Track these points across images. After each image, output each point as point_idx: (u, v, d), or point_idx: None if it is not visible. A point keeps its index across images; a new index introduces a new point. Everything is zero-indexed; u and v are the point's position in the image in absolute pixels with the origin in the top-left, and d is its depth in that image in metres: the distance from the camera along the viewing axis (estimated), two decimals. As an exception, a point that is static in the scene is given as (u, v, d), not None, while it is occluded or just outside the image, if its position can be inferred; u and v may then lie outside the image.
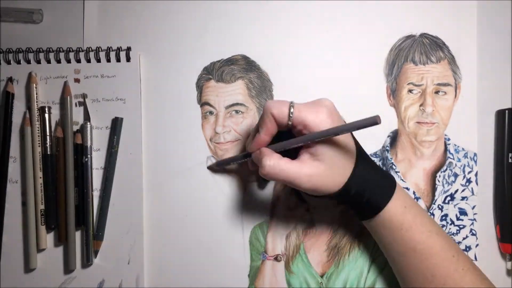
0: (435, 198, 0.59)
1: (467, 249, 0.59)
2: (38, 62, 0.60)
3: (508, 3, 0.60)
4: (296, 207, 0.60)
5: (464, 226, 0.59)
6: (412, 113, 0.59)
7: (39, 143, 0.58)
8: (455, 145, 0.60)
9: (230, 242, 0.60)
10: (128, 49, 0.59)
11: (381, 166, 0.60)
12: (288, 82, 0.60)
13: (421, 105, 0.59)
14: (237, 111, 0.60)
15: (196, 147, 0.60)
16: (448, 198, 0.59)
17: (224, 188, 0.60)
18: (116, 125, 0.59)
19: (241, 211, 0.60)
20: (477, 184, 0.60)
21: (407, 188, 0.59)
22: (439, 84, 0.59)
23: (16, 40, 0.60)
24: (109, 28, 0.61)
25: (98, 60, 0.60)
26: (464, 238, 0.59)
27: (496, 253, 0.59)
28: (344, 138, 0.49)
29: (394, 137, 0.60)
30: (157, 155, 0.60)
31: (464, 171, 0.59)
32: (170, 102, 0.60)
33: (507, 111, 0.59)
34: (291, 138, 0.49)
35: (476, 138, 0.60)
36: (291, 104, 0.48)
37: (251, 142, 0.53)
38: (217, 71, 0.60)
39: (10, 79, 0.59)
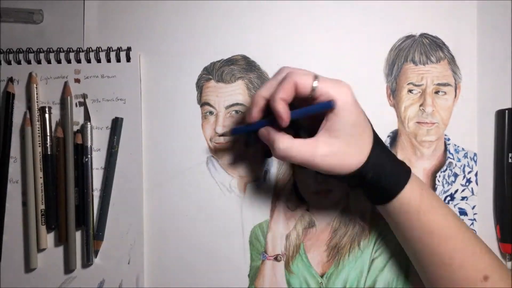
0: (435, 198, 0.60)
1: (467, 249, 0.60)
2: (39, 62, 0.60)
3: (508, 3, 0.60)
4: (296, 207, 0.60)
5: (464, 226, 0.60)
6: (412, 113, 0.60)
7: (39, 143, 0.59)
8: (455, 145, 0.60)
9: (230, 242, 0.60)
10: (128, 49, 0.60)
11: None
12: (288, 82, 0.61)
13: (421, 105, 0.60)
14: (237, 111, 0.60)
15: (196, 147, 0.61)
16: (448, 198, 0.60)
17: (224, 188, 0.60)
18: (116, 125, 0.59)
19: (241, 211, 0.60)
20: (477, 184, 0.60)
21: (407, 188, 0.60)
22: (439, 84, 0.60)
23: (17, 40, 0.61)
24: (109, 28, 0.61)
25: (98, 61, 0.60)
26: (464, 238, 0.60)
27: (496, 253, 0.60)
28: (362, 117, 0.49)
29: (394, 137, 0.60)
30: (157, 155, 0.61)
31: (464, 171, 0.60)
32: (170, 102, 0.61)
33: (507, 111, 0.59)
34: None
35: (476, 138, 0.60)
36: (316, 77, 0.47)
37: (271, 133, 0.50)
38: (217, 71, 0.61)
39: (11, 80, 0.60)
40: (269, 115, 0.50)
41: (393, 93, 0.60)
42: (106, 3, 0.61)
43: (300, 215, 0.60)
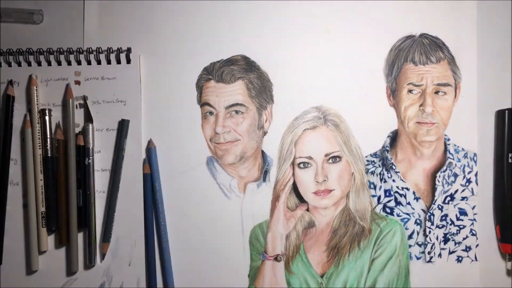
0: (435, 198, 0.60)
1: (467, 249, 0.60)
2: (39, 64, 0.60)
3: (508, 3, 0.60)
4: (296, 207, 0.61)
5: (464, 226, 0.60)
6: (412, 113, 0.60)
7: (39, 145, 0.59)
8: (455, 145, 0.60)
9: (230, 242, 0.61)
10: (128, 50, 0.60)
11: (381, 166, 0.60)
12: (288, 82, 0.61)
13: (421, 105, 0.60)
14: (237, 111, 0.61)
15: (196, 147, 0.61)
16: (448, 198, 0.60)
17: (224, 188, 0.61)
18: (123, 127, 0.60)
19: (241, 211, 0.61)
20: (477, 184, 0.60)
21: (407, 188, 0.60)
22: (439, 84, 0.60)
23: (17, 40, 0.61)
24: (109, 28, 0.61)
25: (99, 62, 0.60)
26: (464, 238, 0.60)
27: (496, 253, 0.60)
28: None
29: (394, 137, 0.61)
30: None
31: (464, 171, 0.60)
32: (170, 102, 0.61)
33: (507, 111, 0.59)
34: None
35: (476, 138, 0.60)
36: None
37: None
38: (217, 71, 0.61)
39: (11, 82, 0.60)
40: None
41: (393, 93, 0.61)
42: (106, 3, 0.61)
43: (300, 215, 0.60)
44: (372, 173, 0.61)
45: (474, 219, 0.60)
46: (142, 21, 0.61)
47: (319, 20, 0.61)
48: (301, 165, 0.60)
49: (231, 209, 0.61)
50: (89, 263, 0.60)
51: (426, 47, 0.60)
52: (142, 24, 0.61)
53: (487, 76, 0.60)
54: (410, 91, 0.60)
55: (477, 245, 0.60)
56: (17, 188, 0.60)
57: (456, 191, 0.60)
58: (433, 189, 0.60)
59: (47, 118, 0.60)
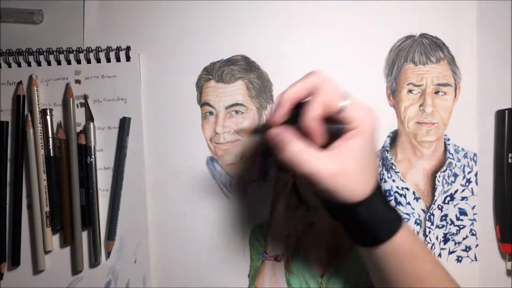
0: (435, 198, 0.61)
1: (467, 249, 0.61)
2: (39, 64, 0.61)
3: (508, 3, 0.61)
4: (296, 207, 0.61)
5: (464, 226, 0.61)
6: (412, 113, 0.61)
7: (41, 145, 0.60)
8: (455, 145, 0.61)
9: (230, 242, 0.61)
10: (128, 48, 0.61)
11: (381, 166, 0.61)
12: (288, 82, 0.60)
13: (421, 105, 0.61)
14: (237, 112, 0.61)
15: (196, 147, 0.62)
16: (448, 198, 0.61)
17: (224, 188, 0.61)
18: (124, 124, 0.61)
19: (241, 211, 0.61)
20: (477, 184, 0.61)
21: (407, 188, 0.61)
22: (439, 84, 0.61)
23: (16, 40, 0.62)
24: (109, 28, 0.62)
25: (98, 61, 0.61)
26: (464, 238, 0.61)
27: (496, 253, 0.61)
28: (375, 154, 0.48)
29: (394, 137, 0.61)
30: (157, 155, 0.62)
31: (464, 171, 0.61)
32: (170, 102, 0.62)
33: (507, 111, 0.60)
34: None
35: (476, 138, 0.61)
36: (345, 98, 0.46)
37: (284, 134, 0.47)
38: (217, 71, 0.61)
39: (20, 82, 0.61)
40: (291, 119, 0.48)
41: (393, 93, 0.61)
42: (106, 3, 0.62)
43: (300, 215, 0.61)
44: (372, 173, 0.61)
45: (474, 219, 0.61)
46: (142, 21, 0.62)
47: (319, 20, 0.62)
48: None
49: (231, 209, 0.61)
50: (94, 262, 0.60)
51: (426, 47, 0.61)
52: (142, 23, 0.62)
53: (487, 76, 0.61)
54: (410, 91, 0.61)
55: (477, 245, 0.61)
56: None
57: (456, 191, 0.61)
58: (433, 189, 0.61)
59: (48, 118, 0.60)
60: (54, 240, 0.61)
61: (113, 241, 0.61)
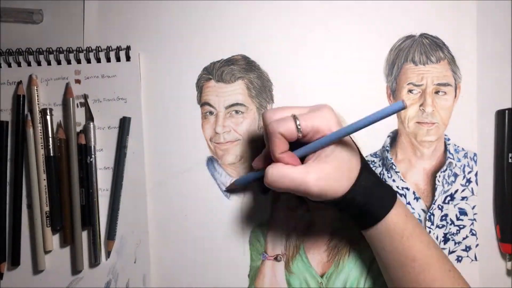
0: (435, 198, 0.61)
1: (467, 249, 0.61)
2: (39, 64, 0.61)
3: (508, 3, 0.61)
4: (296, 207, 0.61)
5: (464, 226, 0.61)
6: (412, 113, 0.61)
7: (41, 145, 0.60)
8: (455, 145, 0.61)
9: (230, 242, 0.61)
10: (128, 48, 0.61)
11: (381, 166, 0.61)
12: (288, 82, 0.62)
13: (421, 105, 0.61)
14: (237, 111, 0.61)
15: (196, 147, 0.62)
16: (448, 198, 0.61)
17: (224, 188, 0.61)
18: (124, 124, 0.61)
19: (241, 211, 0.61)
20: (477, 184, 0.61)
21: (407, 188, 0.61)
22: (439, 84, 0.61)
23: (16, 40, 0.62)
24: (109, 28, 0.62)
25: (98, 60, 0.61)
26: (464, 238, 0.61)
27: (496, 253, 0.61)
28: (350, 142, 0.51)
29: (394, 137, 0.61)
30: (157, 154, 0.62)
31: (464, 171, 0.61)
32: (170, 102, 0.62)
33: (507, 111, 0.60)
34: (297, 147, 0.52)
35: (476, 138, 0.61)
36: (295, 117, 0.49)
37: (261, 159, 0.55)
38: (217, 71, 0.62)
39: (20, 82, 0.61)
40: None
41: (393, 93, 0.61)
42: (106, 3, 0.62)
43: (300, 215, 0.61)
44: (372, 173, 0.61)
45: (474, 219, 0.61)
46: (142, 21, 0.62)
47: (319, 20, 0.62)
48: (302, 165, 0.61)
49: (231, 209, 0.62)
50: (94, 262, 0.61)
51: (426, 47, 0.61)
52: (142, 23, 0.62)
53: (487, 76, 0.61)
54: (410, 91, 0.61)
55: (477, 245, 0.61)
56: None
57: (456, 191, 0.61)
58: (433, 189, 0.61)
59: (48, 117, 0.60)
60: (54, 240, 0.61)
61: (113, 241, 0.61)
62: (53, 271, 0.61)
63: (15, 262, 0.60)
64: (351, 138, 0.53)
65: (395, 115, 0.61)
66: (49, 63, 0.61)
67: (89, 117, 0.61)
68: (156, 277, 0.61)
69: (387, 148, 0.61)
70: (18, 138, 0.60)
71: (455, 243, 0.61)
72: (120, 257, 0.61)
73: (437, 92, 0.61)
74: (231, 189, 0.61)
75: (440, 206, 0.61)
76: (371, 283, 0.61)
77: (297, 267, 0.61)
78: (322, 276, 0.61)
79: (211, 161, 0.62)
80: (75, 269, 0.61)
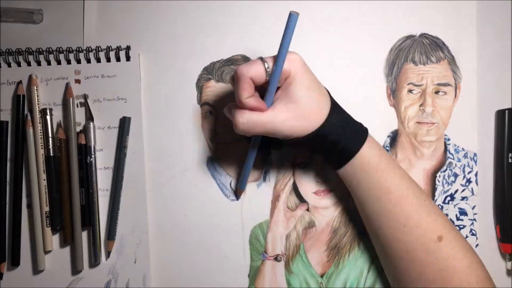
0: (435, 198, 0.61)
1: (467, 249, 0.61)
2: (39, 64, 0.61)
3: (508, 3, 0.61)
4: (296, 207, 0.61)
5: (464, 226, 0.61)
6: (412, 113, 0.61)
7: (41, 145, 0.60)
8: (455, 145, 0.61)
9: (230, 242, 0.62)
10: (128, 48, 0.61)
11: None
12: (288, 82, 0.62)
13: (421, 105, 0.61)
14: (237, 111, 0.61)
15: (196, 147, 0.62)
16: (448, 198, 0.61)
17: (224, 188, 0.62)
18: (124, 124, 0.61)
19: (241, 211, 0.61)
20: (477, 184, 0.61)
21: (407, 188, 0.61)
22: (439, 84, 0.61)
23: (16, 40, 0.62)
24: (109, 28, 0.62)
25: (98, 60, 0.61)
26: (464, 238, 0.61)
27: (496, 253, 0.61)
28: (316, 84, 0.53)
29: (394, 137, 0.62)
30: (157, 155, 0.62)
31: (464, 171, 0.61)
32: (170, 102, 0.62)
33: (507, 111, 0.60)
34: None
35: (476, 138, 0.61)
36: (263, 60, 0.50)
37: (232, 109, 0.54)
38: (217, 71, 0.62)
39: (20, 82, 0.61)
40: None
41: (393, 93, 0.62)
42: (106, 3, 0.62)
43: (300, 215, 0.61)
44: (372, 173, 0.61)
45: (474, 219, 0.61)
46: (141, 21, 0.62)
47: (319, 20, 0.62)
48: (302, 165, 0.61)
49: (231, 209, 0.62)
50: (94, 262, 0.61)
51: (426, 47, 0.61)
52: (141, 23, 0.62)
53: (487, 76, 0.61)
54: (410, 91, 0.61)
55: (477, 245, 0.61)
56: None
57: (456, 191, 0.61)
58: (433, 189, 0.61)
59: (48, 117, 0.61)
60: (54, 240, 0.61)
61: (113, 241, 0.61)
62: (53, 271, 0.61)
63: (15, 262, 0.61)
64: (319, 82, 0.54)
65: (395, 116, 0.61)
66: (49, 63, 0.61)
67: (89, 117, 0.61)
68: (156, 277, 0.61)
69: (387, 148, 0.61)
70: (18, 138, 0.60)
71: (455, 243, 0.61)
72: (120, 257, 0.61)
73: (437, 92, 0.61)
74: (240, 194, 0.62)
75: (440, 206, 0.61)
76: (371, 283, 0.61)
77: (297, 267, 0.61)
78: (322, 276, 0.61)
79: (211, 161, 0.62)
80: (75, 269, 0.61)
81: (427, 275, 0.51)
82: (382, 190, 0.53)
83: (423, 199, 0.53)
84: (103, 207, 0.61)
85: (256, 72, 0.50)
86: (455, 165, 0.61)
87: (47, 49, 0.61)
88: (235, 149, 0.62)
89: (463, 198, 0.61)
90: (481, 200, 0.61)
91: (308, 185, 0.61)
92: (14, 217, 0.60)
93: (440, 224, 0.52)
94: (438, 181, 0.61)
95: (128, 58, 0.61)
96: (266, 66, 0.50)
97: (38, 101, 0.60)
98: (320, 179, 0.61)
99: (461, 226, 0.61)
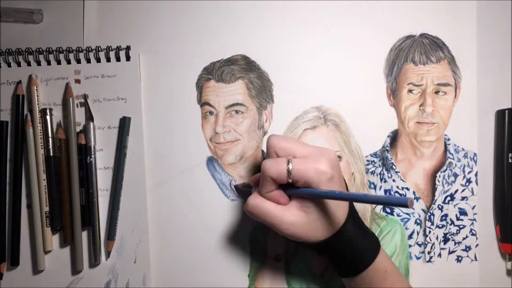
0: (435, 198, 0.61)
1: (467, 249, 0.61)
2: (38, 63, 0.61)
3: (508, 3, 0.61)
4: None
5: (464, 226, 0.61)
6: (412, 113, 0.61)
7: (41, 145, 0.60)
8: (455, 145, 0.61)
9: (230, 242, 0.62)
10: (128, 48, 0.61)
11: (381, 166, 0.61)
12: (288, 82, 0.62)
13: (421, 105, 0.61)
14: (237, 111, 0.62)
15: (196, 147, 0.62)
16: (448, 198, 0.61)
17: (224, 188, 0.62)
18: (124, 124, 0.61)
19: (241, 211, 0.61)
20: (477, 184, 0.61)
21: (407, 188, 0.61)
22: (439, 84, 0.61)
23: (16, 40, 0.62)
24: (109, 28, 0.62)
25: (98, 60, 0.61)
26: (464, 238, 0.61)
27: (496, 253, 0.61)
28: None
29: (394, 137, 0.62)
30: (157, 154, 0.62)
31: (464, 171, 0.61)
32: (170, 102, 0.62)
33: (507, 111, 0.60)
34: None
35: (476, 138, 0.61)
36: (289, 161, 0.48)
37: (254, 178, 0.55)
38: (217, 71, 0.62)
39: (19, 82, 0.61)
40: None
41: (393, 93, 0.62)
42: (106, 3, 0.62)
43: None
44: (372, 173, 0.61)
45: (474, 219, 0.61)
46: (141, 21, 0.62)
47: (319, 20, 0.62)
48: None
49: (231, 209, 0.62)
50: (94, 262, 0.61)
51: (426, 47, 0.61)
52: (141, 23, 0.62)
53: (487, 76, 0.61)
54: (410, 91, 0.61)
55: (477, 245, 0.61)
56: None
57: (456, 191, 0.61)
58: (433, 189, 0.61)
59: (48, 117, 0.60)
60: (54, 240, 0.61)
61: (113, 241, 0.61)
62: (53, 271, 0.61)
63: (14, 262, 0.61)
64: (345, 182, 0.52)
65: (394, 115, 0.61)
66: (49, 63, 0.61)
67: (89, 117, 0.61)
68: (156, 277, 0.61)
69: (387, 148, 0.61)
70: (18, 138, 0.60)
71: (455, 243, 0.61)
72: (120, 257, 0.61)
73: (437, 92, 0.61)
74: (237, 189, 0.62)
75: (440, 206, 0.61)
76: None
77: (297, 267, 0.61)
78: (322, 276, 0.61)
79: (211, 161, 0.62)
80: (75, 269, 0.61)
81: None
82: None
83: None
84: (103, 207, 0.61)
85: (277, 173, 0.48)
86: (455, 165, 0.61)
87: (47, 49, 0.61)
88: (235, 149, 0.62)
89: (463, 198, 0.61)
90: (481, 200, 0.61)
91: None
92: (14, 217, 0.60)
93: None
94: (438, 181, 0.61)
95: (128, 58, 0.61)
96: (290, 167, 0.48)
97: (38, 101, 0.60)
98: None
99: (461, 226, 0.61)
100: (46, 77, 0.61)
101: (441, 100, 0.61)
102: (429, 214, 0.61)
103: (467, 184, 0.61)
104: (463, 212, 0.61)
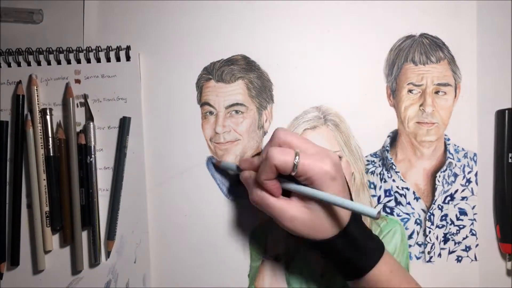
0: (435, 198, 0.61)
1: (467, 249, 0.61)
2: (39, 63, 0.61)
3: (508, 3, 0.61)
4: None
5: (464, 226, 0.61)
6: (412, 113, 0.61)
7: (41, 145, 0.60)
8: (455, 145, 0.61)
9: (230, 242, 0.62)
10: (128, 48, 0.61)
11: (381, 166, 0.61)
12: (288, 82, 0.62)
13: (421, 105, 0.61)
14: (237, 111, 0.62)
15: (196, 147, 0.62)
16: (448, 198, 0.61)
17: (224, 188, 0.62)
18: (124, 124, 0.61)
19: (242, 211, 0.61)
20: (477, 184, 0.61)
21: (407, 188, 0.61)
22: (439, 84, 0.61)
23: (16, 40, 0.62)
24: (109, 28, 0.62)
25: (98, 60, 0.61)
26: (464, 238, 0.61)
27: (496, 253, 0.61)
28: (342, 195, 0.50)
29: (394, 137, 0.62)
30: (157, 154, 0.62)
31: (464, 171, 0.61)
32: (170, 101, 0.62)
33: (507, 111, 0.60)
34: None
35: (476, 138, 0.61)
36: (297, 154, 0.48)
37: (247, 161, 0.55)
38: (217, 71, 0.62)
39: (19, 82, 0.61)
40: None
41: (393, 93, 0.62)
42: (106, 3, 0.62)
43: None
44: (372, 173, 0.61)
45: (474, 219, 0.61)
46: (141, 21, 0.62)
47: (319, 20, 0.62)
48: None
49: (231, 209, 0.62)
50: (94, 262, 0.61)
51: (426, 47, 0.61)
52: (141, 24, 0.62)
53: (487, 76, 0.61)
54: (410, 91, 0.61)
55: (477, 245, 0.61)
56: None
57: (456, 191, 0.61)
58: (433, 189, 0.61)
59: (48, 117, 0.60)
60: (54, 240, 0.61)
61: (113, 241, 0.61)
62: (53, 271, 0.61)
63: (14, 262, 0.60)
64: (348, 186, 0.52)
65: (394, 115, 0.61)
66: (49, 63, 0.61)
67: (89, 117, 0.61)
68: (156, 277, 0.61)
69: (387, 148, 0.61)
70: (18, 138, 0.60)
71: (455, 243, 0.61)
72: (120, 257, 0.61)
73: (437, 92, 0.61)
74: (214, 165, 0.62)
75: (440, 206, 0.61)
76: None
77: (297, 267, 0.61)
78: (322, 276, 0.61)
79: (211, 161, 0.62)
80: (75, 269, 0.61)
81: None
82: None
83: None
84: (103, 207, 0.61)
85: (282, 163, 0.48)
86: (455, 165, 0.61)
87: (47, 49, 0.61)
88: (235, 149, 0.62)
89: (463, 198, 0.61)
90: (481, 200, 0.61)
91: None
92: (14, 217, 0.60)
93: None
94: (438, 181, 0.61)
95: (128, 58, 0.61)
96: (296, 160, 0.48)
97: (38, 101, 0.60)
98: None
99: (461, 226, 0.61)
100: (46, 77, 0.61)
101: (441, 100, 0.61)
102: (429, 214, 0.61)
103: (467, 184, 0.61)
104: (463, 212, 0.61)
